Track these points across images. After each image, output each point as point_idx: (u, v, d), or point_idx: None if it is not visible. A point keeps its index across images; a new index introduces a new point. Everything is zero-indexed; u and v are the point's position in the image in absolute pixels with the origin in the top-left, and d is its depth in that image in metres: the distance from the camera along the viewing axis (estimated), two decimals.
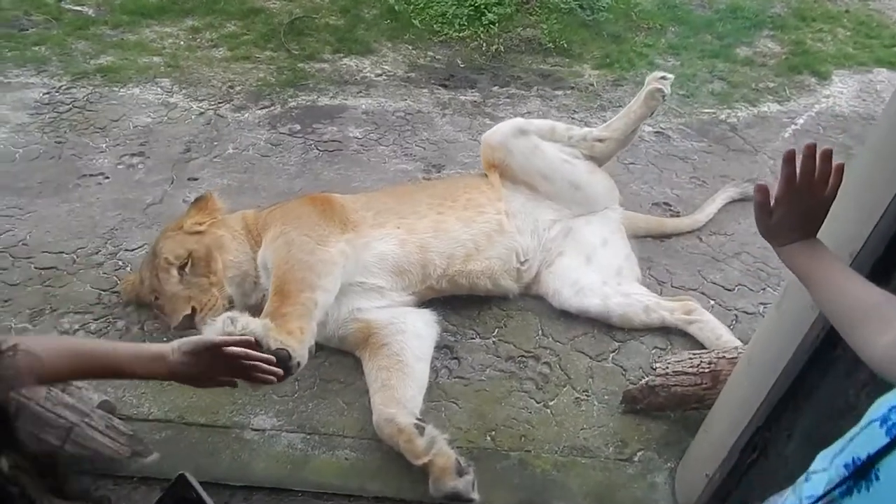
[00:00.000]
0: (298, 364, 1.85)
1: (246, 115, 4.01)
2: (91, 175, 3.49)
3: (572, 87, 4.50)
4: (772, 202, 1.17)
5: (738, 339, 2.62)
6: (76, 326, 2.60)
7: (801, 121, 4.27)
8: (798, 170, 1.12)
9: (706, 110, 4.33)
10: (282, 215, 2.56)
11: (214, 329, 1.71)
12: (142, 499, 2.02)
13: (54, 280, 2.80)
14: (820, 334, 1.47)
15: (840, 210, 1.33)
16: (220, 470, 2.11)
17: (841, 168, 1.13)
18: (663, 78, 2.72)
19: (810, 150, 1.11)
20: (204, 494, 1.38)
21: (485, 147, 2.82)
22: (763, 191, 1.17)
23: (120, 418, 2.14)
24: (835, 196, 1.15)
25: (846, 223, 1.36)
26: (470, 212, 2.69)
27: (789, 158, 1.12)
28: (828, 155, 1.12)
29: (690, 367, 2.30)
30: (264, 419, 2.29)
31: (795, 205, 1.14)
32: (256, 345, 1.58)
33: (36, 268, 2.86)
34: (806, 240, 1.17)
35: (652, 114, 2.84)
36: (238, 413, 2.29)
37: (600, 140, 2.82)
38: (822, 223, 1.18)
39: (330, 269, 2.26)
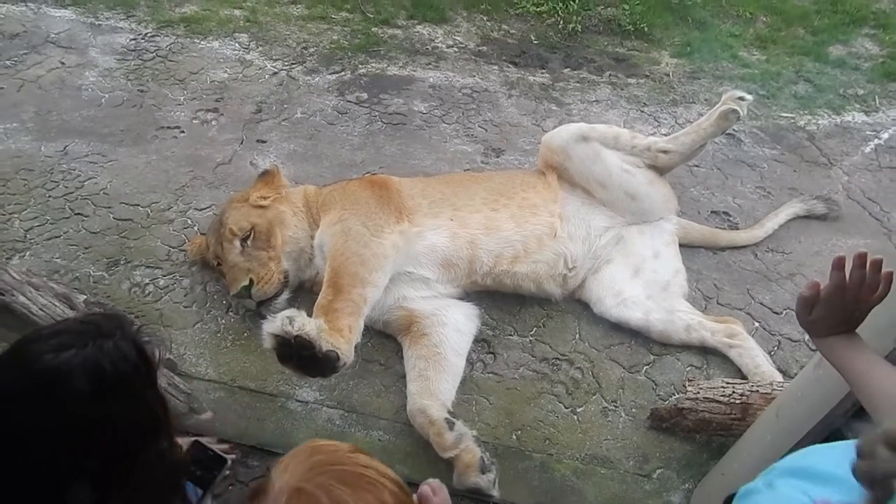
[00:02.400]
0: (345, 364, 1.98)
1: (317, 78, 4.09)
2: (168, 128, 3.67)
3: (646, 76, 4.37)
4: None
5: (778, 367, 2.62)
6: (146, 280, 2.82)
7: (885, 135, 4.04)
8: (847, 278, 1.13)
9: (785, 114, 4.14)
10: (341, 198, 2.66)
11: (274, 326, 1.86)
12: None
13: (129, 232, 3.02)
14: (856, 403, 1.48)
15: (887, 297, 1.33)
16: (264, 435, 2.30)
17: (890, 276, 1.13)
18: (741, 99, 2.62)
19: (861, 261, 1.12)
20: (217, 449, 1.55)
21: (544, 149, 2.83)
22: (815, 288, 1.18)
23: (179, 376, 2.35)
24: (880, 301, 1.16)
25: (892, 309, 1.36)
26: (524, 212, 2.73)
27: (839, 265, 1.13)
28: (878, 265, 1.12)
29: (722, 395, 2.32)
30: (308, 392, 2.46)
31: (839, 307, 1.16)
32: (309, 345, 1.72)
33: (114, 218, 3.09)
34: (845, 334, 1.19)
35: (723, 133, 2.76)
36: (285, 383, 2.47)
37: (665, 151, 2.78)
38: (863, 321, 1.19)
39: (382, 264, 2.36)
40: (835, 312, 1.17)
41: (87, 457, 1.03)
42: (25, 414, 0.99)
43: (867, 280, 1.13)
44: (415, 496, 1.12)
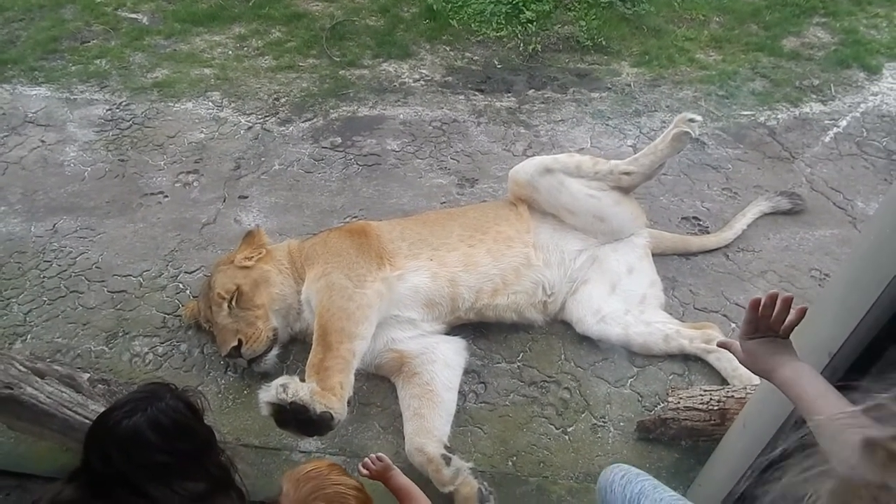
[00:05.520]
0: (339, 421, 2.11)
1: (290, 128, 4.22)
2: (152, 194, 3.79)
3: (609, 89, 4.51)
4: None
5: None
6: (146, 349, 2.93)
7: (843, 123, 4.19)
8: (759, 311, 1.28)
9: (745, 112, 4.29)
10: (322, 251, 2.78)
11: (269, 394, 1.99)
12: None
13: (124, 304, 3.13)
14: None
15: (822, 311, 1.47)
16: (273, 490, 2.39)
17: (803, 311, 1.27)
18: (691, 120, 2.76)
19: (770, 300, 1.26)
20: None
21: (512, 183, 2.96)
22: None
23: None
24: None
25: (826, 325, 1.48)
26: (499, 245, 2.85)
27: (754, 306, 1.27)
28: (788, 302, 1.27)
29: (701, 403, 2.44)
30: (310, 442, 2.57)
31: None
32: (304, 409, 1.84)
33: (108, 291, 3.20)
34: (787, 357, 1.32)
35: (678, 153, 2.89)
36: (287, 436, 2.57)
37: (627, 173, 2.91)
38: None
39: (367, 315, 2.48)
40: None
41: (171, 476, 1.43)
42: (120, 463, 1.37)
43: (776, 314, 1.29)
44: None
